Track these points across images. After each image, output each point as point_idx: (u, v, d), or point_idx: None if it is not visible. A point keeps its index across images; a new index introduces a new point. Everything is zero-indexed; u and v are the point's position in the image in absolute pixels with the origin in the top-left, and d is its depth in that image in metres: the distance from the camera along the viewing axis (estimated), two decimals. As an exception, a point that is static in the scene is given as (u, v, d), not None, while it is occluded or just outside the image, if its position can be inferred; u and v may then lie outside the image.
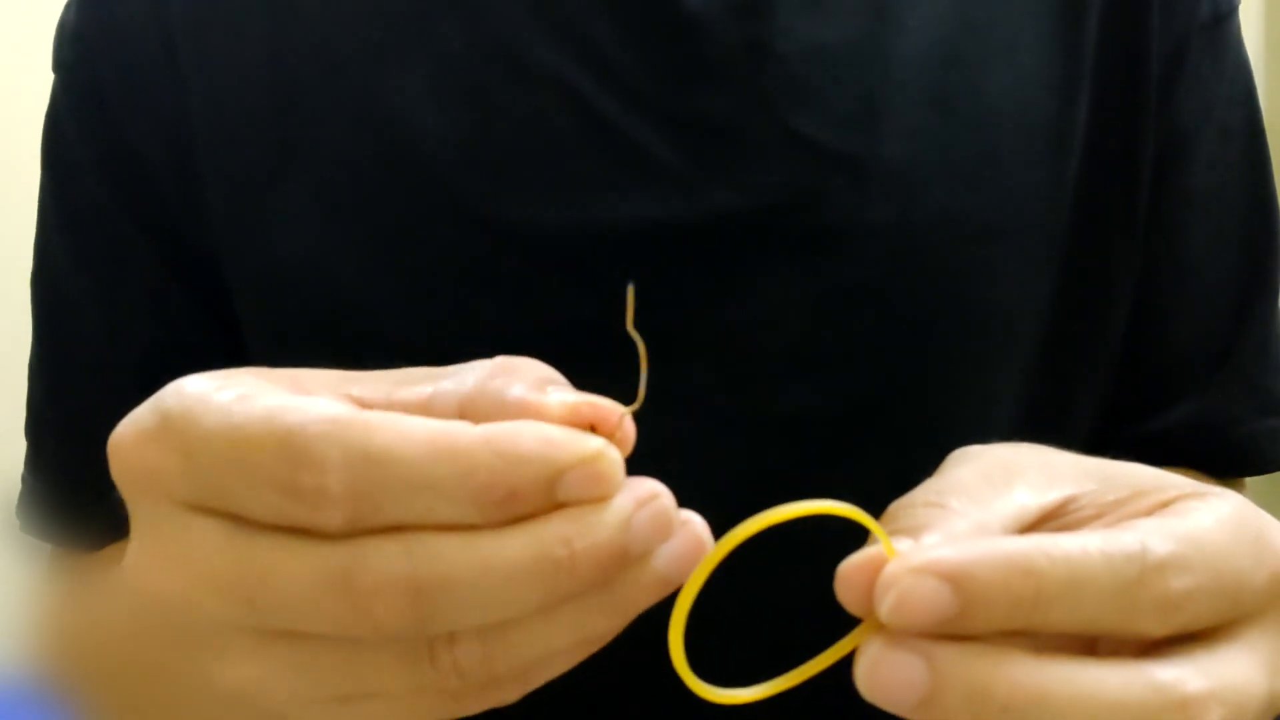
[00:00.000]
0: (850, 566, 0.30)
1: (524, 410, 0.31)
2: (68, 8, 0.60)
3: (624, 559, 0.30)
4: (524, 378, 0.32)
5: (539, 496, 0.29)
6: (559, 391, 0.31)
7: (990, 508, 0.33)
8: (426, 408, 0.32)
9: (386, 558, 0.29)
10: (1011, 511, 0.33)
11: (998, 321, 0.55)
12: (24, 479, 0.62)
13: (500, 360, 0.33)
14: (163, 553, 0.31)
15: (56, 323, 0.61)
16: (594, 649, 0.32)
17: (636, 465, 0.31)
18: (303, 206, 0.54)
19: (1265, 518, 0.33)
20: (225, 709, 0.32)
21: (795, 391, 0.53)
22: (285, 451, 0.29)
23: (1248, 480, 0.64)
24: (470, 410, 0.32)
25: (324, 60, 0.55)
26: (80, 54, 0.58)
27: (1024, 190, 0.55)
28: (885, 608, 0.29)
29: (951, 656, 0.29)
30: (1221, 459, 0.61)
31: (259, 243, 0.55)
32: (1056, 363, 0.57)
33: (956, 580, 0.29)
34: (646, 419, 0.32)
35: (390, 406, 0.32)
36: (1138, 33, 0.57)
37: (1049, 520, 0.33)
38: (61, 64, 0.59)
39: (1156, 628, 0.30)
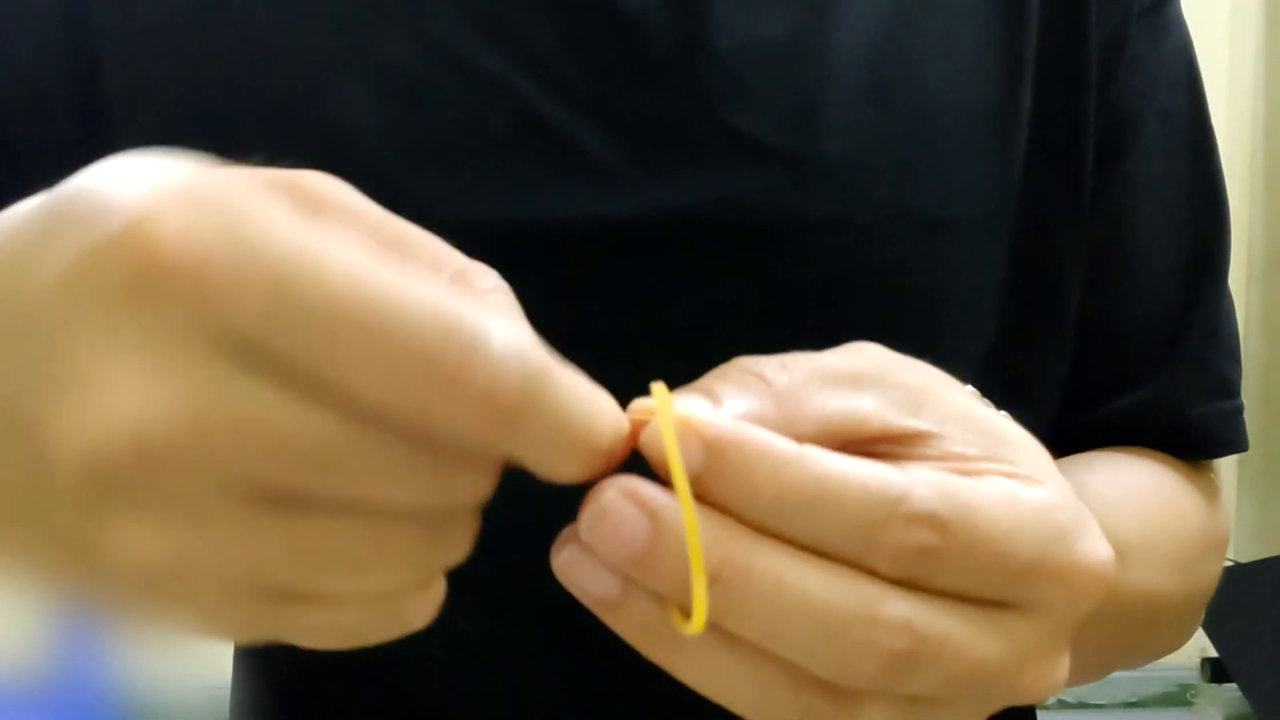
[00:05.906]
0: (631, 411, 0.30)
1: None
2: None
3: None
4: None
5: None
6: None
7: (813, 400, 0.31)
8: None
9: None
10: (838, 415, 0.31)
11: (946, 315, 0.54)
12: None
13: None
14: (170, 392, 0.25)
15: None
16: None
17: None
18: None
19: (1082, 523, 0.33)
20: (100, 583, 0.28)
21: None
22: (466, 344, 0.26)
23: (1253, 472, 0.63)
24: None
25: (257, 57, 0.54)
26: None
27: (968, 182, 0.54)
28: (642, 443, 0.29)
29: (673, 512, 0.29)
30: (1175, 442, 0.60)
31: None
32: (1010, 354, 0.56)
33: (709, 447, 0.29)
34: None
35: None
36: (1077, 19, 0.56)
37: (886, 442, 0.32)
38: None
39: (887, 569, 0.30)
